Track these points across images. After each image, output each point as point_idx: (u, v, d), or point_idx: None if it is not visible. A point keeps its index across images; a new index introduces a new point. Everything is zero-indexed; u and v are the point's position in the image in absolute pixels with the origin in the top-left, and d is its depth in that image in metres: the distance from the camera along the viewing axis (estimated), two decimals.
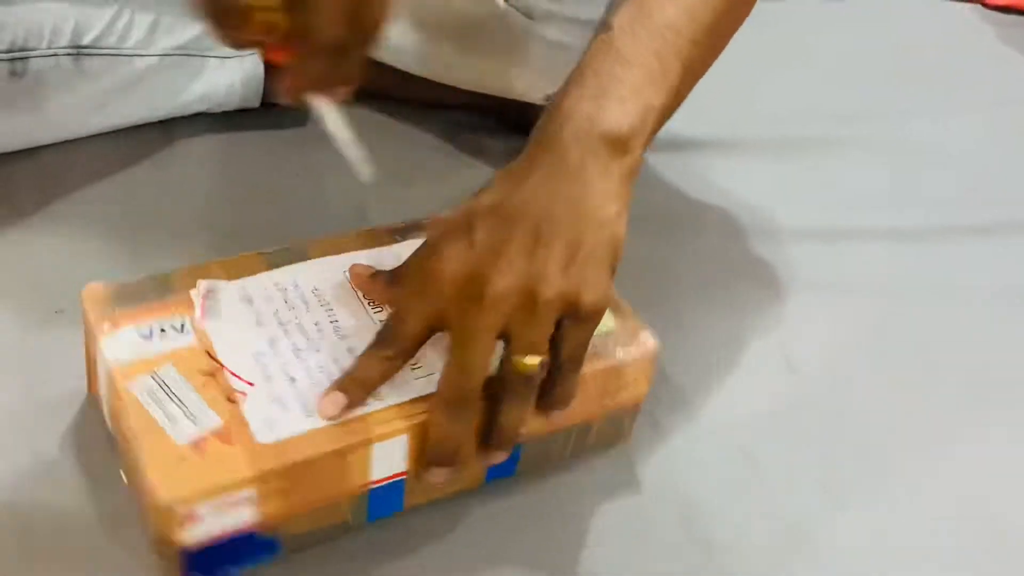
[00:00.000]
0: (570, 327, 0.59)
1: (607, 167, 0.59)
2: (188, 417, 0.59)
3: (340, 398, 0.59)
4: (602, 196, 0.59)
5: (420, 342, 0.59)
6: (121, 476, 0.64)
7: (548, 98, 0.81)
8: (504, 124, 0.94)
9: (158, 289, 0.66)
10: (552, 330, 0.58)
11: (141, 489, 0.59)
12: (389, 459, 0.61)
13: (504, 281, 0.56)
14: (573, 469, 0.69)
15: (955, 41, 1.21)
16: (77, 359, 0.70)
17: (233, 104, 0.92)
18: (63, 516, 0.63)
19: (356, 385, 0.60)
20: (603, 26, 0.62)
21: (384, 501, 0.63)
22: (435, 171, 0.90)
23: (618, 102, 0.60)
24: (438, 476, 0.61)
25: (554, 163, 0.59)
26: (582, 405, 0.64)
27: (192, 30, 0.87)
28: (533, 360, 0.58)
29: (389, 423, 0.60)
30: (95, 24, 0.85)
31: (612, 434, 0.70)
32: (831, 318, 0.83)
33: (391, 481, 0.62)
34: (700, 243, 0.89)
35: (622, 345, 0.67)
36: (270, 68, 0.91)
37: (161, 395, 0.60)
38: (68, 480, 0.65)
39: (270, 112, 0.93)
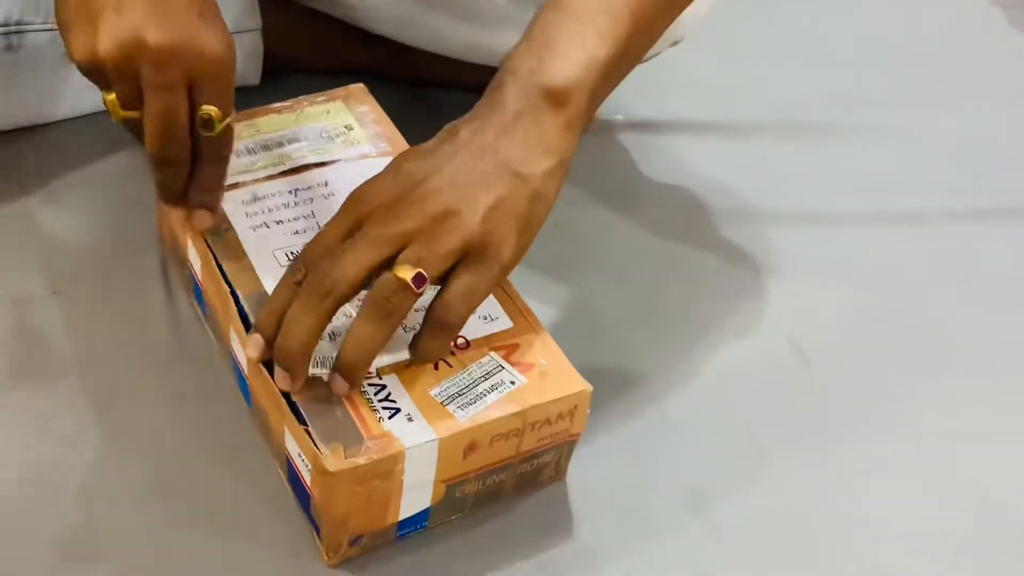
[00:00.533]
0: (464, 270, 0.58)
1: (543, 121, 0.59)
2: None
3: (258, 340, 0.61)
4: (533, 152, 0.59)
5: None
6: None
7: None
8: None
9: None
10: (446, 266, 0.58)
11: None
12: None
13: (415, 203, 0.57)
14: (581, 450, 0.69)
15: (964, 25, 1.20)
16: (73, 342, 0.69)
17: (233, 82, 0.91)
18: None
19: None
20: None
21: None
22: None
23: (561, 55, 0.60)
24: (281, 382, 0.60)
25: (491, 117, 0.59)
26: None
27: None
28: (408, 271, 0.57)
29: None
30: None
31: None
32: (839, 305, 0.83)
33: None
34: (705, 229, 0.88)
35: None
36: (270, 46, 0.90)
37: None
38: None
39: (270, 90, 0.92)
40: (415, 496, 0.61)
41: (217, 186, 0.66)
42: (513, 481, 0.65)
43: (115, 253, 0.78)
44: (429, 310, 0.60)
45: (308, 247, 0.60)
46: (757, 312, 0.82)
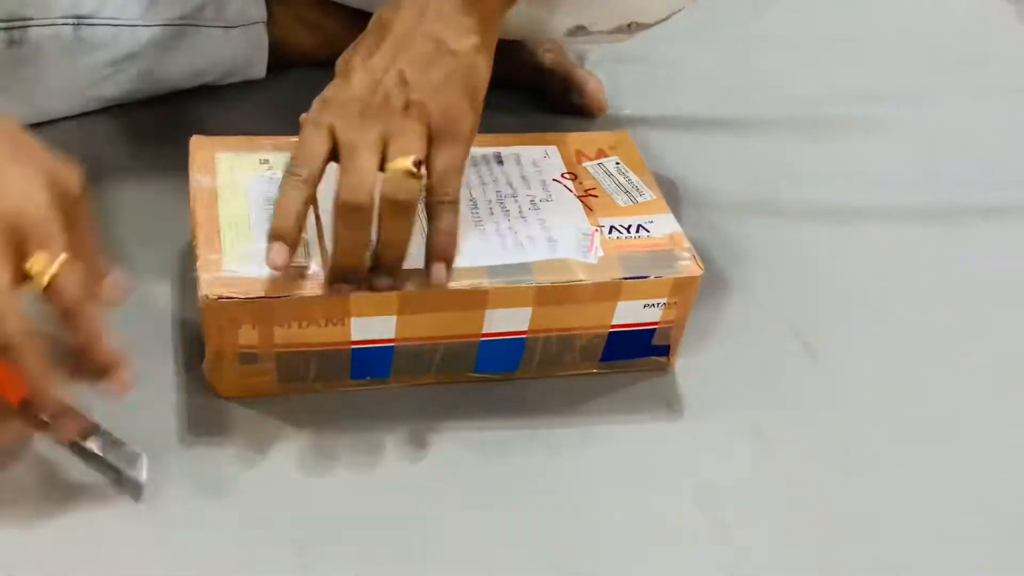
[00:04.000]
0: (438, 148, 0.64)
1: (457, 10, 0.65)
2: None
3: (281, 247, 0.63)
4: (457, 30, 0.65)
5: (324, 160, 0.64)
6: None
7: (571, 31, 0.81)
8: (518, 87, 0.94)
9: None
10: (423, 146, 0.63)
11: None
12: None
13: (380, 107, 0.63)
14: (586, 443, 0.69)
15: (974, 20, 1.20)
16: None
17: (238, 75, 0.90)
18: None
19: (285, 221, 0.63)
20: None
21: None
22: None
23: None
24: (344, 291, 0.65)
25: (415, 12, 0.66)
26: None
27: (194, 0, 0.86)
28: (406, 160, 0.62)
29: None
30: None
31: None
32: (845, 299, 0.83)
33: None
34: (710, 223, 0.88)
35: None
36: (275, 38, 0.90)
37: None
38: None
39: (275, 83, 0.91)
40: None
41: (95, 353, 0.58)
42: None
43: (118, 247, 0.77)
44: (428, 192, 0.64)
45: (300, 155, 0.64)
46: (763, 306, 0.81)
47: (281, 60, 0.92)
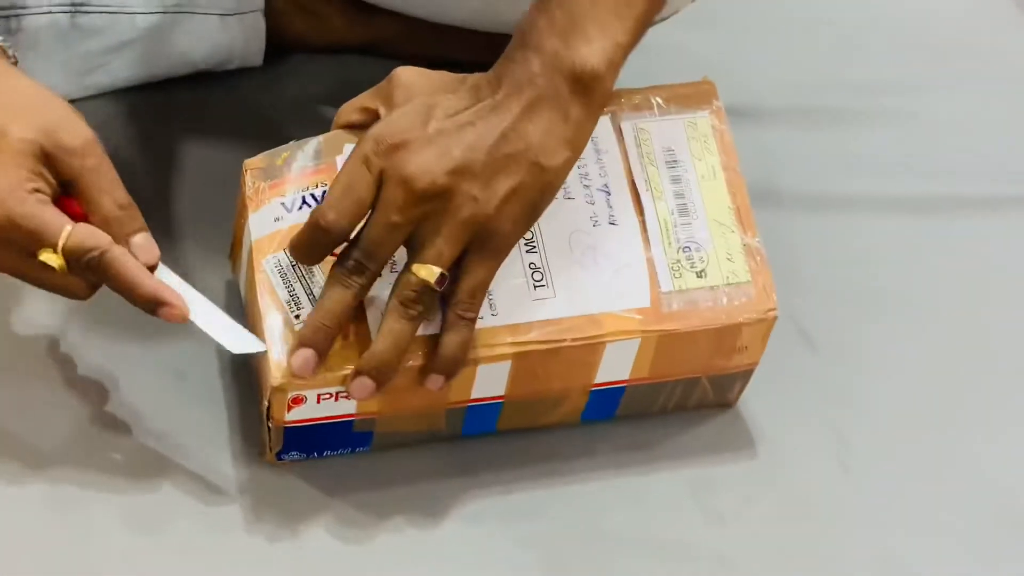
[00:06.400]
0: (473, 259, 0.59)
1: (567, 110, 0.59)
2: (312, 301, 0.61)
3: (310, 355, 0.60)
4: (555, 142, 0.59)
5: (391, 254, 0.59)
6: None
7: None
8: None
9: (314, 156, 0.66)
10: (459, 253, 0.58)
11: (260, 366, 0.63)
12: (492, 381, 0.63)
13: (438, 182, 0.57)
14: (574, 444, 0.69)
15: (973, 9, 1.19)
16: (65, 325, 0.70)
17: (235, 63, 0.90)
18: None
19: (324, 323, 0.60)
20: None
21: (479, 419, 0.66)
22: None
23: (585, 40, 0.59)
24: (364, 391, 0.60)
25: (517, 92, 0.59)
26: (694, 359, 0.66)
27: None
28: (431, 272, 0.58)
29: (496, 347, 0.62)
30: None
31: (719, 395, 0.71)
32: (845, 290, 0.83)
33: (489, 402, 0.65)
34: None
35: (746, 306, 0.66)
36: (272, 25, 0.90)
37: (290, 275, 0.62)
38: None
39: (272, 71, 0.91)
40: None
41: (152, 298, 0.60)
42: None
43: None
44: (448, 301, 0.60)
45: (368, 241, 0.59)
46: None
47: (278, 47, 0.91)
